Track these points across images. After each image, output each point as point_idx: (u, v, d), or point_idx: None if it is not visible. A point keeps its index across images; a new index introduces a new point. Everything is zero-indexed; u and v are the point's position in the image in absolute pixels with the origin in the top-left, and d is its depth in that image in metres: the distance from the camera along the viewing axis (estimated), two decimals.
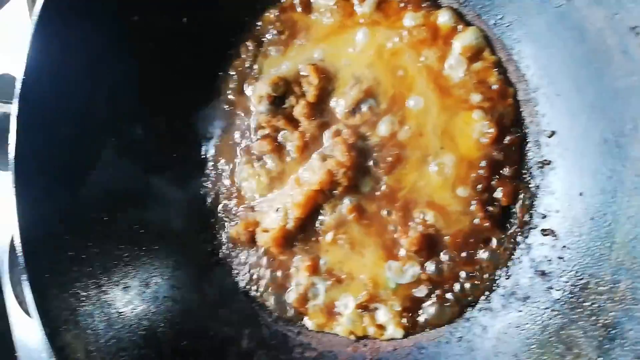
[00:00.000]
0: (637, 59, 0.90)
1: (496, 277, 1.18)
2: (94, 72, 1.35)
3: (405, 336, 1.27)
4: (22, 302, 1.92)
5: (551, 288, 1.06)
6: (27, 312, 1.90)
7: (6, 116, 2.09)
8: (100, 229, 1.37)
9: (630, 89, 0.92)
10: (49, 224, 1.29)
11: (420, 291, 1.23)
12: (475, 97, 1.18)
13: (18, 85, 1.25)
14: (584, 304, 0.98)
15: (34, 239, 1.25)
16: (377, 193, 1.28)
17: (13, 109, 1.26)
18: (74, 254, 1.31)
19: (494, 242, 1.18)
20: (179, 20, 1.42)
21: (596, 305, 0.96)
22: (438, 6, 1.25)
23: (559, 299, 1.04)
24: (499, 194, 1.17)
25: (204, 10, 1.42)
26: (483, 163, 1.17)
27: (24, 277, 1.23)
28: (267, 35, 1.44)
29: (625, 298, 0.91)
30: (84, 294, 1.29)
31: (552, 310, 1.04)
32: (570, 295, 1.02)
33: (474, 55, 1.20)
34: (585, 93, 1.01)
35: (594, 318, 0.96)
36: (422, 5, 1.26)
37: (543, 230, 1.12)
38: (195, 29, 1.43)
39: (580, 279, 1.01)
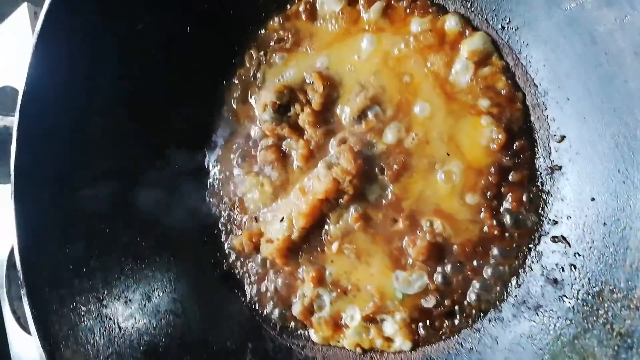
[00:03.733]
0: None
1: (506, 286, 1.15)
2: (95, 82, 1.36)
3: (413, 348, 1.24)
4: (19, 318, 1.90)
5: (564, 296, 1.03)
6: (24, 329, 1.88)
7: (6, 128, 2.11)
8: (101, 241, 1.36)
9: None
10: (48, 236, 1.28)
11: (429, 301, 1.21)
12: (484, 103, 1.17)
13: (19, 96, 1.24)
14: (598, 312, 0.95)
15: (33, 252, 1.25)
16: (384, 201, 1.26)
17: (15, 120, 1.25)
18: (74, 267, 1.29)
19: (504, 250, 1.15)
20: (183, 29, 1.41)
21: (611, 313, 0.93)
22: (445, 11, 1.24)
23: (572, 308, 1.01)
24: (508, 200, 1.15)
25: (207, 19, 1.42)
26: (492, 169, 1.15)
27: (23, 291, 1.21)
28: (271, 43, 1.44)
29: None
30: (84, 308, 1.28)
31: (565, 320, 1.01)
32: (583, 304, 0.99)
33: (482, 60, 1.18)
34: (595, 96, 0.99)
35: (608, 327, 0.93)
36: (429, 11, 1.25)
37: (554, 237, 1.09)
38: (198, 37, 1.43)
39: (594, 287, 0.98)
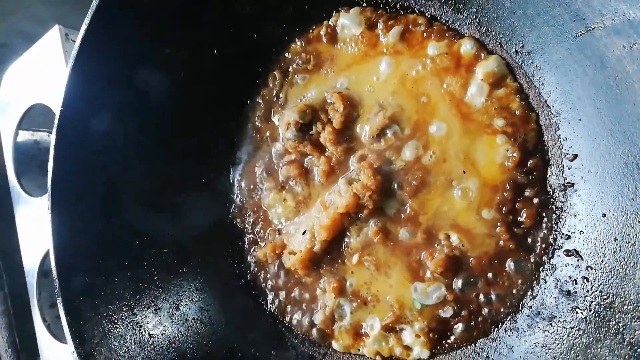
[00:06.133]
0: None
1: (522, 298, 1.20)
2: (127, 101, 1.41)
3: (431, 357, 1.29)
4: (49, 325, 1.96)
5: (577, 308, 1.07)
6: (54, 335, 1.93)
7: (36, 144, 2.18)
8: (132, 252, 1.42)
9: None
10: (82, 247, 1.34)
11: (446, 312, 1.25)
12: (499, 122, 1.21)
13: (56, 116, 1.30)
14: (610, 322, 1.00)
15: (68, 263, 1.30)
16: (402, 216, 1.31)
17: (52, 138, 1.31)
18: (107, 277, 1.35)
19: (519, 263, 1.20)
20: (209, 52, 1.48)
21: (622, 324, 0.97)
22: (461, 35, 1.29)
23: (584, 318, 1.05)
24: (523, 216, 1.20)
25: (233, 43, 1.48)
26: (507, 186, 1.20)
27: (59, 300, 1.26)
28: (293, 65, 1.50)
29: None
30: (116, 316, 1.33)
31: (578, 330, 1.06)
32: (595, 315, 1.03)
33: (496, 82, 1.23)
34: (606, 118, 1.04)
35: (620, 337, 0.97)
36: (445, 35, 1.30)
37: (567, 251, 1.13)
38: (224, 60, 1.49)
39: (605, 299, 1.02)
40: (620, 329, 0.97)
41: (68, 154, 1.32)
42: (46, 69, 1.90)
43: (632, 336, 0.95)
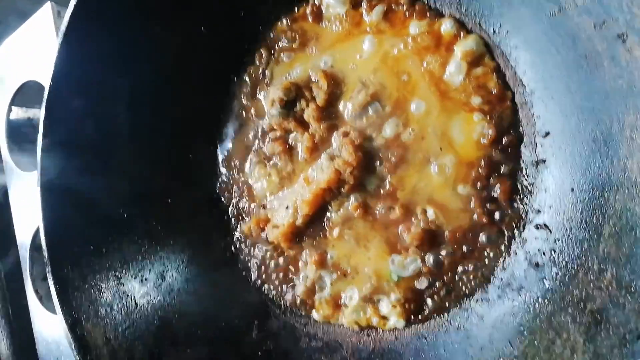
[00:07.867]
0: (623, 64, 0.95)
1: (493, 270, 1.24)
2: (116, 77, 1.44)
3: (406, 326, 1.33)
4: (41, 298, 2.00)
5: (544, 278, 1.11)
6: (46, 307, 1.97)
7: (29, 120, 2.20)
8: (120, 224, 1.44)
9: (618, 92, 0.97)
10: (71, 221, 1.36)
11: (421, 283, 1.29)
12: (476, 100, 1.25)
13: (46, 90, 1.32)
14: (574, 292, 1.03)
15: (57, 234, 1.33)
16: (382, 191, 1.35)
17: (41, 113, 1.33)
18: (95, 248, 1.38)
19: (492, 237, 1.24)
20: (197, 30, 1.50)
21: (584, 293, 1.01)
22: (441, 15, 1.32)
23: (550, 289, 1.09)
24: (497, 191, 1.23)
25: (221, 21, 1.51)
26: (482, 162, 1.24)
27: (48, 269, 1.30)
28: (279, 43, 1.52)
29: (611, 286, 0.96)
30: (104, 285, 1.37)
31: (544, 299, 1.10)
32: (561, 285, 1.07)
33: (475, 61, 1.26)
34: (576, 95, 1.07)
35: (582, 305, 1.01)
36: (426, 15, 1.33)
37: (537, 224, 1.17)
38: (212, 37, 1.52)
39: (570, 270, 1.06)
40: (583, 298, 1.01)
41: (57, 128, 1.35)
42: (38, 46, 1.92)
43: (593, 304, 0.99)
